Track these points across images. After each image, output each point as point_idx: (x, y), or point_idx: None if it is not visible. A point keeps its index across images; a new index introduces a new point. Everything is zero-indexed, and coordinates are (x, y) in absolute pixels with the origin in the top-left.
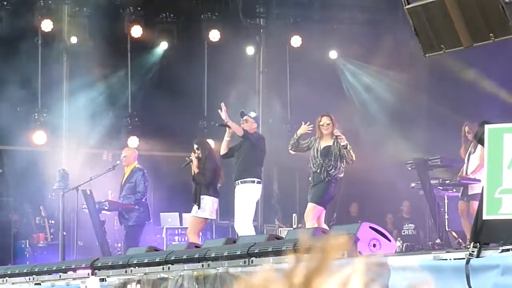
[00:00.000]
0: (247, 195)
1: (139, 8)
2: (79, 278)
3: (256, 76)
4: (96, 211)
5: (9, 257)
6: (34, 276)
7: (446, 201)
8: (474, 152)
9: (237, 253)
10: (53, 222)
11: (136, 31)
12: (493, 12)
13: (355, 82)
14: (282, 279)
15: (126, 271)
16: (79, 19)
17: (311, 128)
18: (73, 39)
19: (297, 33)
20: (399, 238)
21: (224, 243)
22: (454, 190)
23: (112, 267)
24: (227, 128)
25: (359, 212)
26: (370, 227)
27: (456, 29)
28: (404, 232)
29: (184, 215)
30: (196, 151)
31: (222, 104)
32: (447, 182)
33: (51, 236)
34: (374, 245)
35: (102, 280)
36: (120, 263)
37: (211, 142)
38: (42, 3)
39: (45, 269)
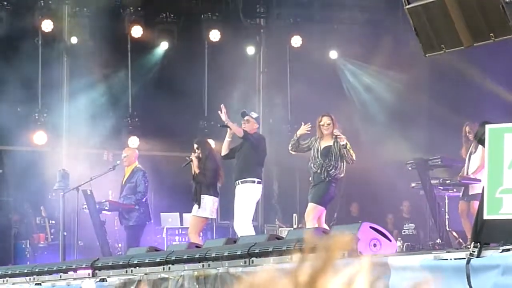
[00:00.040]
0: (247, 195)
1: (139, 8)
2: (80, 278)
3: (256, 76)
4: (96, 211)
5: (9, 257)
6: (34, 276)
7: (446, 201)
8: (475, 152)
9: (238, 253)
10: (53, 222)
11: (137, 31)
12: (493, 12)
13: (355, 82)
14: (287, 278)
15: (126, 271)
16: (80, 19)
17: (310, 128)
18: (74, 39)
19: (297, 33)
20: (399, 238)
21: (225, 243)
22: (455, 190)
23: (113, 267)
24: (228, 129)
25: (359, 212)
26: (370, 227)
27: (457, 29)
28: (404, 232)
29: (184, 215)
30: (196, 150)
31: (222, 106)
32: (447, 182)
33: (52, 236)
34: (375, 245)
35: (102, 280)
36: (121, 263)
37: (211, 142)
38: (42, 3)
39: (45, 269)
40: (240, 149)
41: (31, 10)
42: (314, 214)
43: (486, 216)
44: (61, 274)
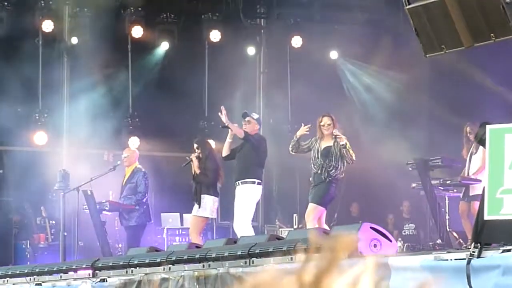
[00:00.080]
0: (247, 195)
1: (139, 9)
2: (80, 279)
3: (257, 77)
4: (97, 211)
5: (10, 258)
6: (35, 276)
7: (447, 201)
8: (475, 153)
9: (238, 254)
10: (54, 222)
11: (137, 31)
12: (493, 12)
13: (355, 82)
14: (292, 277)
15: (127, 272)
16: (80, 19)
17: (309, 129)
18: (74, 40)
19: (297, 33)
20: (400, 239)
21: (225, 243)
22: (455, 190)
23: (113, 267)
24: (229, 130)
25: (359, 212)
26: (371, 227)
27: (457, 29)
28: (404, 232)
29: (185, 215)
30: (196, 150)
31: (222, 108)
32: (448, 182)
33: (52, 237)
34: (375, 246)
35: (103, 280)
36: (121, 263)
37: (211, 142)
38: (42, 4)
39: (46, 269)
40: (240, 150)
41: (31, 10)
42: (314, 215)
43: (486, 217)
44: (61, 274)
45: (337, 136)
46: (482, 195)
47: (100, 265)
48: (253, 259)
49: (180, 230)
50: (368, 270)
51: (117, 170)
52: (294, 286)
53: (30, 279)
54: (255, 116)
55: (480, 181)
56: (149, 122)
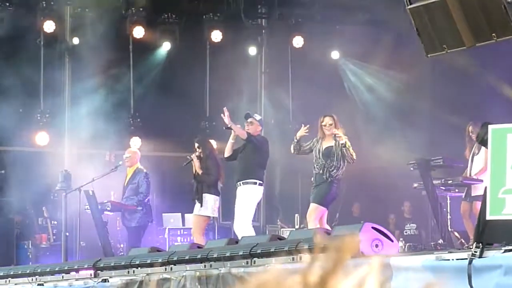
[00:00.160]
0: (248, 196)
1: (141, 9)
2: (82, 279)
3: (258, 77)
4: (98, 211)
5: (11, 258)
6: (36, 276)
7: (448, 201)
8: (478, 153)
9: (240, 254)
10: (55, 223)
11: (138, 31)
12: (495, 12)
13: (357, 82)
14: (297, 278)
15: (128, 272)
16: (81, 20)
17: (308, 130)
18: (75, 40)
19: (299, 33)
20: (401, 239)
21: (227, 243)
22: (457, 190)
23: (115, 267)
24: (231, 131)
25: (361, 212)
26: (372, 227)
27: (459, 29)
28: (406, 232)
29: (186, 215)
30: (197, 149)
31: (225, 109)
32: (449, 182)
33: (54, 237)
34: (377, 246)
35: (104, 280)
36: (123, 263)
37: (213, 142)
38: (44, 4)
39: (47, 269)
40: (242, 150)
41: (33, 10)
42: (316, 215)
43: (488, 217)
44: (63, 274)
45: (337, 135)
46: (484, 195)
47: (101, 265)
48: (254, 259)
49: (182, 230)
50: (373, 272)
51: (119, 171)
52: (299, 287)
53: (32, 280)
54: (258, 117)
55: (481, 181)
56: (150, 122)
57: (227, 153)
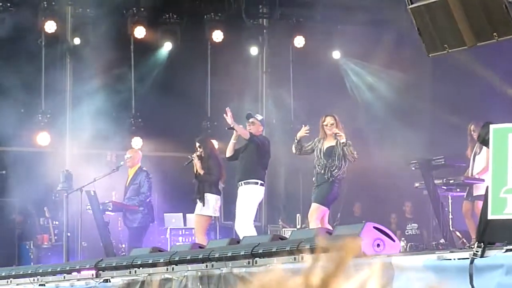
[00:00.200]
0: (250, 196)
1: (142, 9)
2: (84, 279)
3: (259, 76)
4: (100, 212)
5: (13, 258)
6: (38, 277)
7: (450, 201)
8: (479, 153)
9: (241, 254)
10: (57, 223)
11: (140, 32)
12: (496, 11)
13: (358, 82)
14: (299, 279)
15: (130, 272)
16: (83, 20)
17: (309, 131)
18: (77, 40)
19: (300, 33)
20: (403, 238)
21: (228, 243)
22: (458, 190)
23: (116, 268)
24: (234, 131)
25: (362, 212)
26: (374, 227)
27: (460, 28)
28: (407, 232)
29: (188, 215)
30: (198, 149)
31: (227, 109)
32: (451, 182)
33: (55, 237)
34: (378, 245)
35: (106, 281)
36: (124, 264)
37: (214, 142)
38: (45, 4)
39: (49, 270)
40: (244, 150)
41: (34, 11)
42: (317, 214)
43: (490, 216)
44: (64, 275)
45: (337, 134)
46: (486, 194)
47: (103, 265)
48: (256, 259)
49: (183, 231)
50: (374, 275)
51: (120, 171)
52: None
53: (33, 280)
54: (259, 117)
55: (483, 180)
56: (152, 122)
57: (228, 153)
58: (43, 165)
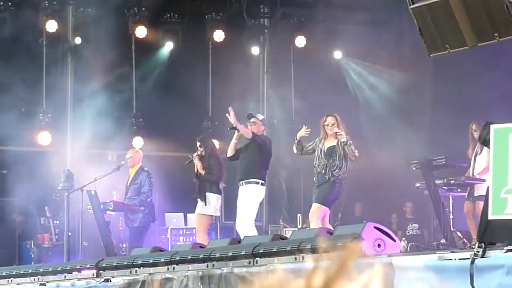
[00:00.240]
0: (250, 196)
1: (143, 9)
2: (84, 279)
3: (260, 76)
4: (101, 211)
5: (14, 258)
6: (39, 276)
7: (451, 201)
8: (480, 153)
9: (242, 253)
10: (58, 222)
11: (141, 31)
12: (497, 11)
13: (359, 82)
14: (300, 282)
15: (131, 272)
16: (84, 19)
17: (309, 131)
18: (78, 40)
19: (301, 33)
20: (403, 238)
21: (229, 243)
22: (459, 190)
23: (117, 267)
24: (235, 131)
25: (363, 212)
26: (374, 227)
27: (461, 29)
28: (408, 232)
29: (189, 215)
30: (199, 149)
31: (230, 109)
32: (452, 182)
33: (56, 237)
34: (379, 245)
35: (107, 280)
36: (125, 263)
37: (216, 142)
38: (46, 4)
39: (50, 269)
40: (245, 150)
41: (35, 10)
42: (318, 214)
43: (490, 216)
44: (65, 274)
45: (338, 134)
46: (486, 195)
47: (104, 265)
48: (257, 259)
49: (184, 230)
50: (376, 277)
51: (121, 170)
52: None
53: (34, 279)
54: (260, 117)
55: (484, 180)
56: (153, 122)
57: (229, 153)
58: (44, 165)
